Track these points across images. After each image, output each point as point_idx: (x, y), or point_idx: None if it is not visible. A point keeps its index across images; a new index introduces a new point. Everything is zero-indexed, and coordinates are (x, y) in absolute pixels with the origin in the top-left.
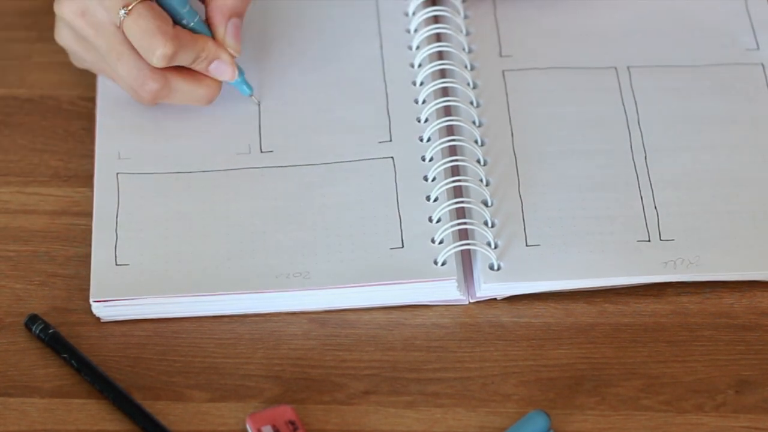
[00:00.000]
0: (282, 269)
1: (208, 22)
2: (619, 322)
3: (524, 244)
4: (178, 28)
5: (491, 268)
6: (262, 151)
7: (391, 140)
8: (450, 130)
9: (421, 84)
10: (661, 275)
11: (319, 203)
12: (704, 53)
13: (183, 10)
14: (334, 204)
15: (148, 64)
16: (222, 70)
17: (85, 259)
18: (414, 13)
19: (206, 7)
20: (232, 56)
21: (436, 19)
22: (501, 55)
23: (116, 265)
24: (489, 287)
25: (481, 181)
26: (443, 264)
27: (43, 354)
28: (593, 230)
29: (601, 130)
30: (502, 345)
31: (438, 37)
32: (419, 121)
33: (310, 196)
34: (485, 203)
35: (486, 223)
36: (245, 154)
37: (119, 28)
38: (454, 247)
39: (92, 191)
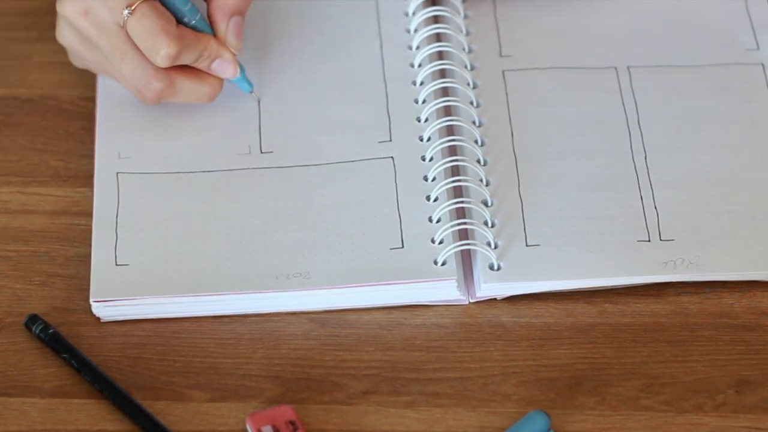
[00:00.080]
0: (282, 269)
1: (209, 20)
2: (619, 322)
3: (524, 244)
4: (182, 27)
5: (491, 268)
6: (262, 152)
7: (391, 140)
8: (450, 130)
9: (421, 84)
10: (661, 275)
11: (319, 203)
12: (704, 53)
13: (185, 8)
14: (334, 204)
15: (152, 64)
16: (224, 68)
17: (85, 259)
18: (414, 13)
19: (208, 5)
20: (234, 54)
21: (436, 19)
22: (501, 55)
23: (116, 265)
24: (489, 287)
25: (481, 181)
26: (443, 264)
27: (43, 354)
28: (593, 230)
29: (601, 130)
30: (502, 345)
31: (438, 37)
32: (419, 121)
33: (310, 196)
34: (485, 203)
35: (486, 223)
36: (245, 154)
37: (123, 27)
38: (454, 247)
39: (92, 191)
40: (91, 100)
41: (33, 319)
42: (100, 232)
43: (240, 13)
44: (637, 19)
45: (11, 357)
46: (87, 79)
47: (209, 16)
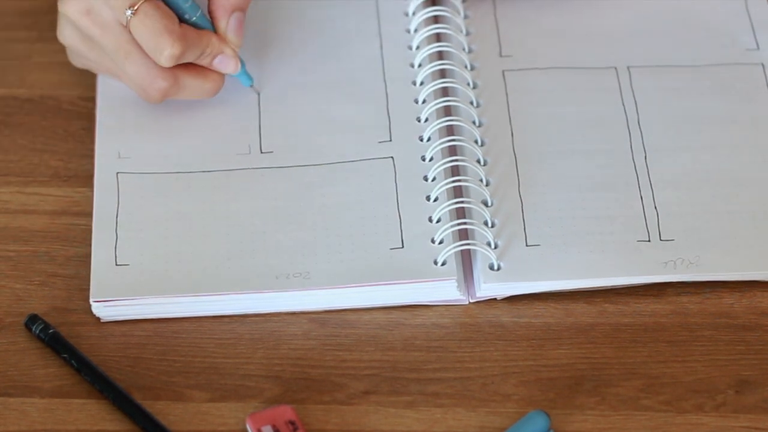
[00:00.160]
0: (282, 269)
1: (210, 16)
2: (619, 322)
3: (524, 244)
4: (184, 25)
5: (491, 268)
6: (262, 152)
7: (391, 140)
8: (450, 130)
9: (421, 84)
10: (661, 275)
11: (319, 203)
12: (704, 53)
13: (186, 5)
14: (334, 204)
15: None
16: (226, 63)
17: (85, 259)
18: (414, 13)
19: (209, 1)
20: (235, 49)
21: (436, 19)
22: (501, 55)
23: (116, 265)
24: (489, 287)
25: (481, 181)
26: (443, 264)
27: (43, 354)
28: (593, 230)
29: (601, 130)
30: (502, 345)
31: (438, 37)
32: (419, 121)
33: (310, 196)
34: (485, 203)
35: (486, 223)
36: (245, 154)
37: (126, 27)
38: (454, 247)
39: (92, 191)
40: (91, 100)
41: (33, 319)
42: (100, 232)
43: (241, 9)
44: (637, 19)
45: (11, 357)
46: (87, 79)
47: (210, 12)
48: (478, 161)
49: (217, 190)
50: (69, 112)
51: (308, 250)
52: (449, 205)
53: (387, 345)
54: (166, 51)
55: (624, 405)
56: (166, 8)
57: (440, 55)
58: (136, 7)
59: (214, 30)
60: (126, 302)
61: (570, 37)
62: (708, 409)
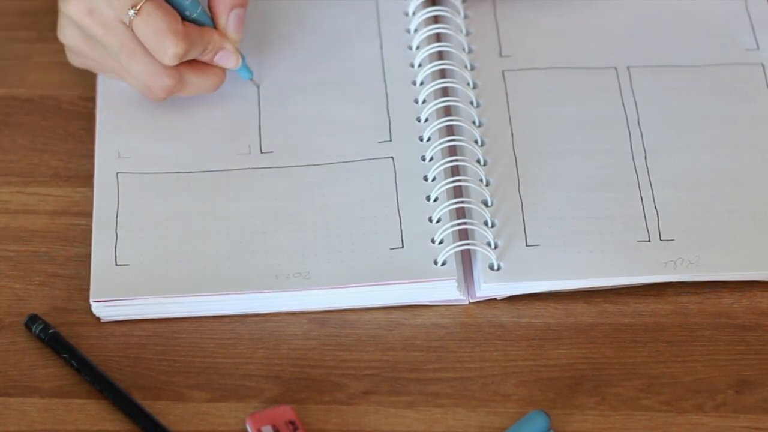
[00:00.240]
0: (282, 269)
1: (210, 12)
2: (619, 322)
3: (524, 244)
4: (187, 24)
5: (491, 268)
6: (262, 152)
7: (391, 140)
8: (450, 130)
9: (421, 84)
10: (661, 275)
11: (319, 203)
12: (704, 53)
13: (186, 2)
14: (334, 204)
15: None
16: (227, 59)
17: (85, 259)
18: (414, 13)
19: None
20: (235, 44)
21: (436, 19)
22: (501, 55)
23: (116, 265)
24: (489, 287)
25: (481, 181)
26: (443, 264)
27: (43, 354)
28: (593, 230)
29: (601, 130)
30: (502, 345)
31: (438, 37)
32: (419, 121)
33: (310, 196)
34: (485, 203)
35: (486, 223)
36: (245, 154)
37: (128, 26)
38: (454, 247)
39: (92, 191)
40: (91, 100)
41: (33, 319)
42: (100, 232)
43: (241, 5)
44: (637, 19)
45: (11, 357)
46: (87, 79)
47: (210, 8)
48: (478, 161)
49: (217, 190)
50: (69, 112)
51: (308, 250)
52: (449, 205)
53: (387, 345)
54: (170, 50)
55: (624, 405)
56: (168, 7)
57: (440, 55)
58: (138, 7)
59: (214, 26)
60: (126, 302)
61: (570, 37)
62: (708, 409)
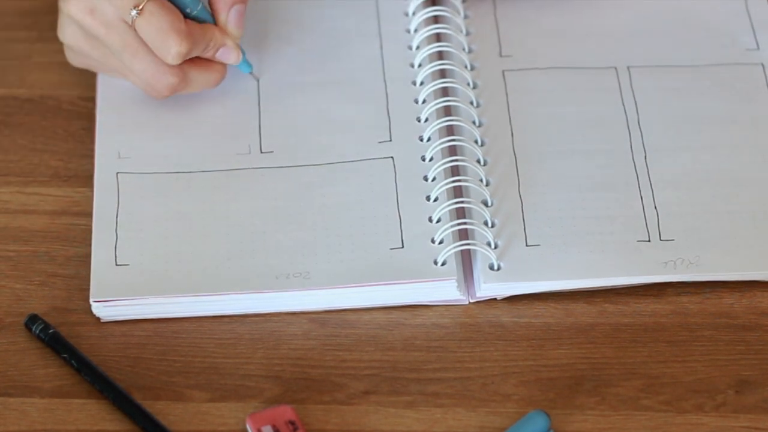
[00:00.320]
0: (282, 269)
1: (210, 8)
2: (619, 322)
3: (524, 244)
4: (189, 22)
5: (491, 268)
6: (262, 152)
7: (391, 140)
8: (450, 130)
9: (421, 84)
10: (661, 275)
11: (319, 203)
12: (704, 53)
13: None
14: (334, 204)
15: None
16: (228, 54)
17: (85, 259)
18: (414, 13)
19: None
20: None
21: (436, 19)
22: (501, 55)
23: (116, 265)
24: (489, 287)
25: (481, 181)
26: (443, 264)
27: (43, 354)
28: (593, 230)
29: (601, 130)
30: (502, 345)
31: (438, 37)
32: (419, 121)
33: (310, 196)
34: (485, 203)
35: (486, 223)
36: (245, 154)
37: (131, 25)
38: (454, 247)
39: (92, 191)
40: (91, 100)
41: (33, 319)
42: (100, 232)
43: (241, 1)
44: (637, 19)
45: (11, 357)
46: (87, 79)
47: (210, 5)
48: (478, 161)
49: (217, 190)
50: (69, 112)
51: (308, 250)
52: (449, 205)
53: (387, 345)
54: (174, 49)
55: (624, 405)
56: (170, 5)
57: (440, 55)
58: (141, 7)
59: (215, 22)
60: (126, 302)
61: (570, 37)
62: (708, 409)
